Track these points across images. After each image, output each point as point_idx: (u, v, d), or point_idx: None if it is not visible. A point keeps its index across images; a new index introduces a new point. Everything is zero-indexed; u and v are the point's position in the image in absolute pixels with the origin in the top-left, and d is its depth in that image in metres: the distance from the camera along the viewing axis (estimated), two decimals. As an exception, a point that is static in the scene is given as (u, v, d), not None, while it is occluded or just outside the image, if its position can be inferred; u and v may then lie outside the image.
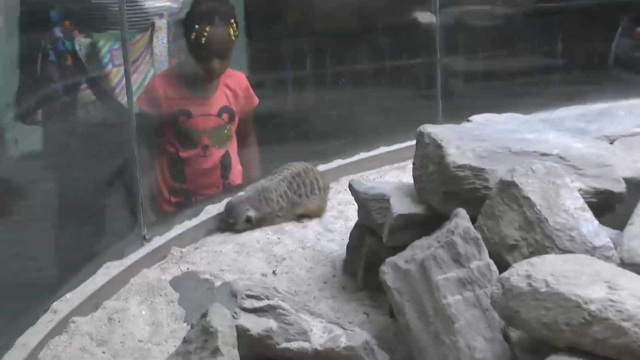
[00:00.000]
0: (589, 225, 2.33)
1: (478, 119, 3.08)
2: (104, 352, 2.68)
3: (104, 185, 4.39)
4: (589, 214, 2.35)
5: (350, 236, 3.12)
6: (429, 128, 2.69)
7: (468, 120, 3.08)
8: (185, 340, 2.18)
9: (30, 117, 4.52)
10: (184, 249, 3.33)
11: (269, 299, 2.33)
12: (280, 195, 3.55)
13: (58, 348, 2.70)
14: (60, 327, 2.78)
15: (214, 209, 3.60)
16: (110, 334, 2.77)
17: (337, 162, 4.07)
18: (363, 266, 2.96)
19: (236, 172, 4.48)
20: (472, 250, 2.27)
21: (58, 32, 4.36)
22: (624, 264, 2.23)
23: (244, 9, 6.05)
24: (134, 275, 3.13)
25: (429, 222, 2.59)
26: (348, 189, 3.11)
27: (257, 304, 2.32)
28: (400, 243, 2.57)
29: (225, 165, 4.43)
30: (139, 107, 4.19)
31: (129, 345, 2.71)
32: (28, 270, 4.05)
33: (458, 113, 3.62)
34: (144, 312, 2.91)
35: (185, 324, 2.80)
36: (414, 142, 2.74)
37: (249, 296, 2.33)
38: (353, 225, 3.12)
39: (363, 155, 4.16)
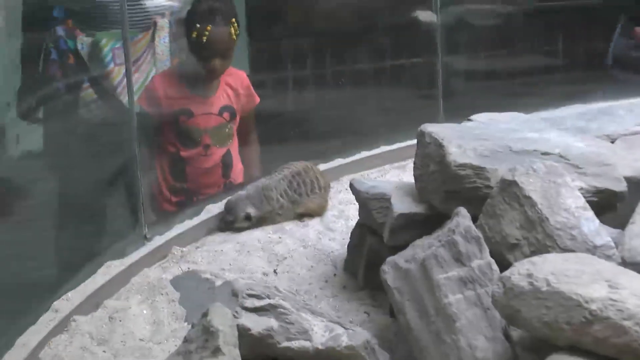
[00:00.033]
0: (590, 224, 2.33)
1: (479, 118, 3.08)
2: (104, 352, 2.68)
3: (104, 185, 4.39)
4: (590, 213, 2.35)
5: (351, 235, 3.12)
6: (430, 127, 2.69)
7: (469, 120, 3.08)
8: (186, 340, 2.18)
9: (32, 115, 4.52)
10: (184, 248, 3.33)
11: (269, 298, 2.33)
12: (280, 193, 3.55)
13: (59, 347, 2.70)
14: (61, 327, 2.78)
15: (214, 208, 3.60)
16: (111, 333, 2.77)
17: (338, 161, 4.07)
18: (364, 265, 2.96)
19: (237, 171, 4.48)
20: (473, 249, 2.26)
21: (60, 30, 4.36)
22: (625, 263, 2.23)
23: (245, 8, 6.06)
24: (135, 275, 3.13)
25: (429, 221, 2.59)
26: (349, 188, 3.11)
27: (258, 303, 2.32)
28: (401, 242, 2.57)
29: (226, 164, 4.43)
30: (140, 106, 4.19)
31: (129, 345, 2.71)
32: (29, 270, 4.05)
33: (459, 112, 3.62)
34: (144, 312, 2.91)
35: (186, 323, 2.80)
36: (415, 141, 2.74)
37: (250, 295, 2.33)
38: (354, 224, 3.12)
39: (364, 154, 4.16)
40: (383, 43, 6.82)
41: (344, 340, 2.28)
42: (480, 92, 6.61)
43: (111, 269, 3.09)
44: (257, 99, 4.53)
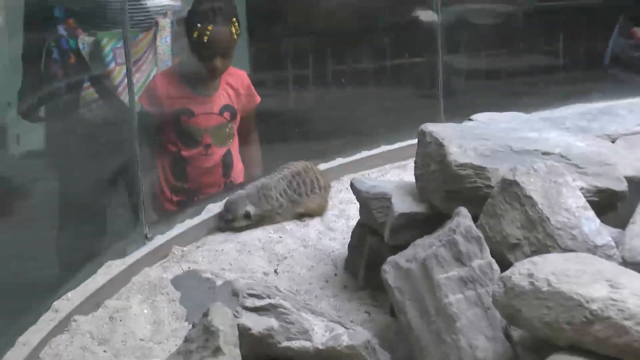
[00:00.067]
0: (591, 224, 2.32)
1: (480, 117, 3.08)
2: (105, 351, 2.68)
3: (105, 184, 4.40)
4: (590, 213, 2.35)
5: (351, 235, 3.12)
6: (430, 127, 2.69)
7: (470, 119, 3.07)
8: (187, 339, 2.18)
9: (33, 114, 4.52)
10: (185, 248, 3.33)
11: (270, 298, 2.33)
12: (280, 193, 3.54)
13: (59, 347, 2.70)
14: (62, 326, 2.78)
15: (215, 208, 3.60)
16: (112, 333, 2.77)
17: (339, 161, 4.07)
18: (364, 265, 2.96)
19: (238, 171, 4.48)
20: (474, 249, 2.26)
21: (62, 30, 4.36)
22: (625, 263, 2.23)
23: (246, 8, 6.07)
24: (136, 274, 3.13)
25: (430, 221, 2.59)
26: (349, 188, 3.11)
27: (258, 302, 2.31)
28: (402, 242, 2.57)
29: (227, 163, 4.43)
30: (141, 105, 4.20)
31: (130, 344, 2.71)
32: (29, 269, 4.05)
33: (459, 112, 3.62)
34: (145, 311, 2.90)
35: (186, 323, 2.80)
36: (416, 140, 2.74)
37: (251, 295, 2.33)
38: (354, 224, 3.12)
39: (364, 154, 4.16)
40: (384, 42, 6.84)
41: (345, 340, 2.28)
42: (481, 92, 6.62)
43: (112, 268, 3.09)
44: (258, 99, 4.53)
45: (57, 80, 4.44)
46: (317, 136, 5.83)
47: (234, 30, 4.27)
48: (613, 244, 2.29)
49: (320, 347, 2.27)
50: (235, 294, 2.37)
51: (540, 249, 2.28)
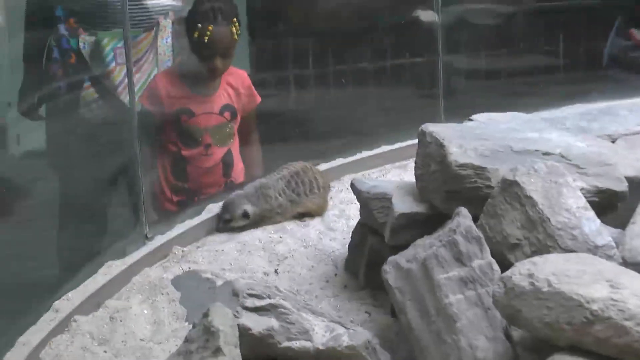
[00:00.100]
0: (591, 224, 2.32)
1: (480, 118, 3.08)
2: (105, 351, 2.68)
3: (105, 184, 4.40)
4: (591, 213, 2.35)
5: (352, 235, 3.12)
6: (431, 127, 2.69)
7: (470, 119, 3.07)
8: (187, 340, 2.18)
9: (34, 112, 4.53)
10: (185, 248, 3.33)
11: (270, 298, 2.33)
12: (278, 192, 3.54)
13: (60, 347, 2.70)
14: (62, 326, 2.78)
15: (215, 208, 3.60)
16: (112, 333, 2.77)
17: (339, 161, 4.07)
18: (365, 265, 2.96)
19: (238, 171, 4.48)
20: (474, 249, 2.26)
21: (63, 29, 4.37)
22: (626, 263, 2.22)
23: (247, 8, 6.07)
24: (136, 274, 3.13)
25: (430, 221, 2.59)
26: (350, 188, 3.10)
27: (258, 303, 2.31)
28: (402, 242, 2.57)
29: (227, 163, 4.43)
30: (141, 105, 4.20)
31: (130, 345, 2.71)
32: (29, 269, 4.05)
33: (460, 111, 3.62)
34: (145, 311, 2.90)
35: (186, 323, 2.79)
36: (416, 140, 2.74)
37: (251, 295, 2.33)
38: (355, 224, 3.12)
39: (365, 154, 4.16)
40: (384, 42, 6.83)
41: (345, 340, 2.28)
42: (481, 92, 6.63)
43: (112, 268, 3.09)
44: (258, 99, 4.53)
45: (57, 80, 4.45)
46: (318, 136, 5.83)
47: (234, 30, 4.28)
48: (613, 244, 2.29)
49: (321, 347, 2.27)
50: (235, 294, 2.37)
51: (541, 249, 2.28)
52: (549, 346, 1.98)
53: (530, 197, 2.34)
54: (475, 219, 2.37)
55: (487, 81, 7.27)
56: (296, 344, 2.28)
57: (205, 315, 2.15)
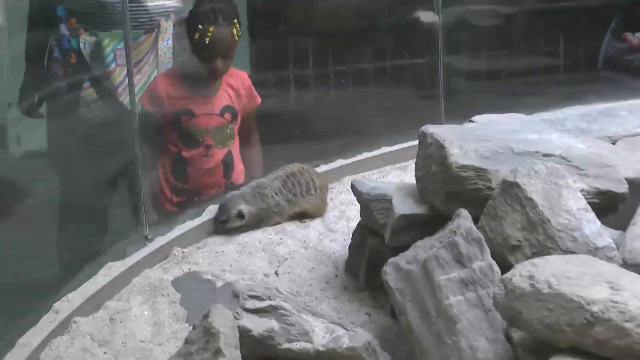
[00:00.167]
0: (592, 226, 2.32)
1: (480, 119, 3.08)
2: (105, 353, 2.68)
3: (106, 185, 4.40)
4: (591, 215, 2.35)
5: (352, 236, 3.12)
6: (431, 128, 2.69)
7: (470, 121, 3.07)
8: (187, 341, 2.18)
9: (34, 110, 4.53)
10: (185, 249, 3.33)
11: (270, 300, 2.33)
12: (274, 191, 3.53)
13: (59, 348, 2.69)
14: (62, 328, 2.78)
15: (216, 209, 3.60)
16: (112, 335, 2.77)
17: (339, 162, 4.07)
18: (365, 266, 2.96)
19: (238, 172, 4.47)
20: (475, 251, 2.26)
21: (64, 29, 4.37)
22: (626, 265, 2.23)
23: (247, 8, 6.07)
24: (136, 276, 3.13)
25: (431, 222, 2.59)
26: (350, 189, 3.10)
27: (259, 304, 2.31)
28: (403, 243, 2.57)
29: (227, 164, 4.43)
30: (142, 106, 4.20)
31: (130, 346, 2.71)
32: (29, 270, 4.05)
33: (460, 113, 3.62)
34: (145, 313, 2.90)
35: (187, 325, 2.79)
36: (416, 142, 2.74)
37: (251, 297, 2.33)
38: (355, 225, 3.12)
39: (365, 155, 4.16)
40: (384, 43, 6.83)
41: (345, 342, 2.28)
42: (481, 92, 6.62)
43: (112, 269, 3.09)
44: (259, 100, 4.52)
45: (57, 79, 4.45)
46: (318, 137, 5.83)
47: (235, 32, 4.27)
48: (614, 245, 2.29)
49: (321, 348, 2.27)
50: (235, 295, 2.37)
51: (541, 251, 2.28)
52: (550, 348, 1.98)
53: (530, 199, 2.34)
54: (475, 221, 2.37)
55: (487, 82, 7.27)
56: (296, 346, 2.28)
57: (206, 316, 2.15)
